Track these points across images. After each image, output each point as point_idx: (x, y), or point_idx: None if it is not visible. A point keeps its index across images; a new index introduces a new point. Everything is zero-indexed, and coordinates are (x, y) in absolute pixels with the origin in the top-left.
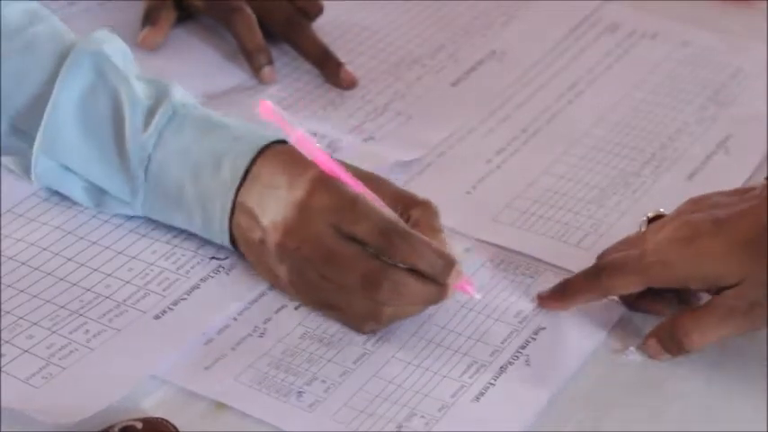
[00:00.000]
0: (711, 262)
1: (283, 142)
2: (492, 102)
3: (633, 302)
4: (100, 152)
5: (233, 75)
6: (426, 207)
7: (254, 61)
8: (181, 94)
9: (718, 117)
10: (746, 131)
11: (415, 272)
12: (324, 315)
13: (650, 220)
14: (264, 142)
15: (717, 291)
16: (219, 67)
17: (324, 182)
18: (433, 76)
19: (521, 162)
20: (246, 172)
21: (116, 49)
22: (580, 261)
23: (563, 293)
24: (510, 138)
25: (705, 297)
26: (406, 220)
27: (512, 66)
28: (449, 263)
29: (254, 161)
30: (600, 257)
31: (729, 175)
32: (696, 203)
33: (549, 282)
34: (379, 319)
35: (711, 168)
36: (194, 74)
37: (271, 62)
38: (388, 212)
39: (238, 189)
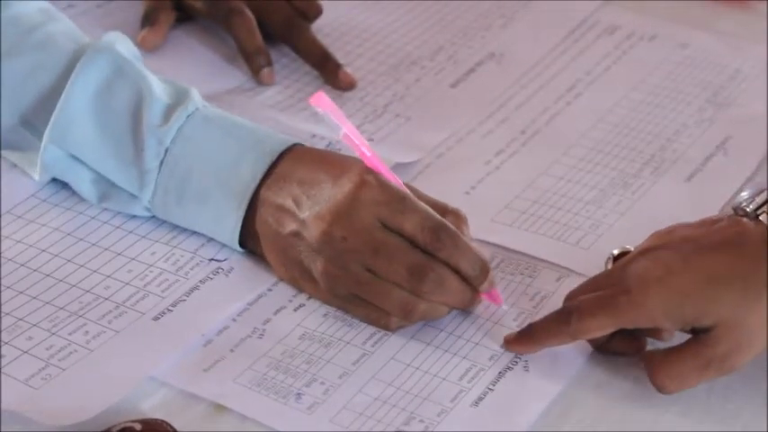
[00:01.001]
0: (686, 302)
1: (302, 144)
2: (491, 103)
3: (602, 344)
4: (113, 144)
5: (232, 76)
6: (458, 215)
7: (253, 63)
8: (200, 96)
9: (717, 118)
10: (745, 133)
11: (454, 272)
12: (347, 311)
13: (615, 258)
14: (286, 145)
15: (691, 329)
16: (218, 69)
17: (373, 176)
18: (432, 77)
19: (519, 163)
20: (269, 173)
21: (128, 50)
22: (580, 260)
23: (530, 337)
24: (509, 139)
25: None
26: None
27: (510, 67)
28: (485, 269)
29: (277, 162)
30: (567, 299)
31: (728, 177)
32: (662, 238)
33: (548, 281)
34: (412, 313)
35: (710, 170)
36: (193, 75)
37: (270, 64)
38: (433, 211)
39: (259, 188)
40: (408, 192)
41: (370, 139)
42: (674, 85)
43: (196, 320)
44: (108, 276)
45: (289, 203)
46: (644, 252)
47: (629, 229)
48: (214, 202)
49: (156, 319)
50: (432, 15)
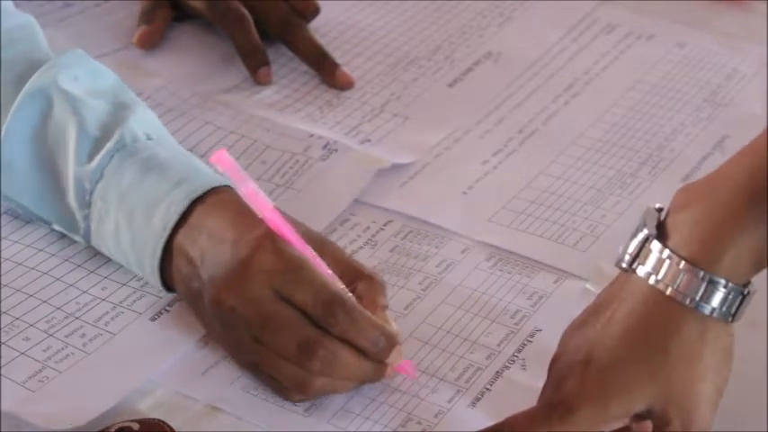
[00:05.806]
0: (610, 405)
1: (228, 187)
2: (488, 103)
3: None
4: (48, 187)
5: (229, 75)
6: (373, 281)
7: (250, 62)
8: (139, 124)
9: (715, 118)
10: (743, 132)
11: (352, 346)
12: (254, 378)
13: None
14: (202, 191)
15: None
16: (216, 68)
17: (271, 242)
18: (430, 77)
19: (517, 163)
20: (186, 218)
21: (84, 72)
22: (576, 262)
23: None
24: (506, 139)
25: None
26: (351, 292)
27: (508, 67)
28: (390, 342)
29: (194, 208)
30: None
31: None
32: (572, 336)
33: (546, 282)
34: (308, 390)
35: (708, 169)
36: (190, 74)
37: (267, 63)
38: (333, 282)
39: (173, 235)
40: (307, 260)
41: (368, 140)
42: (672, 84)
43: (194, 321)
44: (105, 277)
45: (197, 258)
46: (559, 358)
47: (626, 231)
48: (132, 248)
49: (152, 319)
50: (429, 15)
